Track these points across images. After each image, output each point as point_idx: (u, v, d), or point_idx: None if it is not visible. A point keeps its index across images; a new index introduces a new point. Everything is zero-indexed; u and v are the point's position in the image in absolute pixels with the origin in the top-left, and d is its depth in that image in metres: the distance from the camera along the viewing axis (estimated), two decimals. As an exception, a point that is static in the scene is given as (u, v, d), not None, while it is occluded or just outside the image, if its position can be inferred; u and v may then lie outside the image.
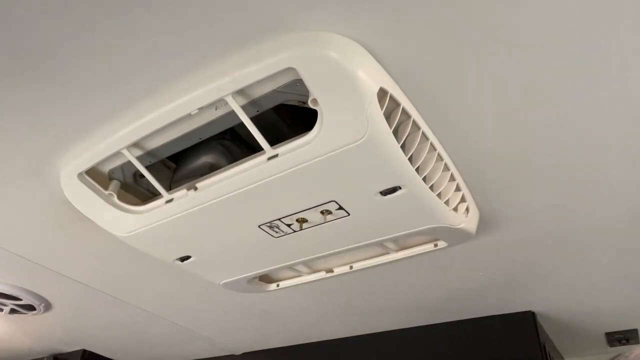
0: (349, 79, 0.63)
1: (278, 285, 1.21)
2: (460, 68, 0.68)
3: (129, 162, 0.80)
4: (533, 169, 0.89)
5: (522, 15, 0.60)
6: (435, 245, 1.03)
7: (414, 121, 0.73)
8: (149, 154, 0.80)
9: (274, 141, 0.73)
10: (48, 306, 1.49)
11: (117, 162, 0.82)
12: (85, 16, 0.60)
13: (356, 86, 0.63)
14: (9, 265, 1.21)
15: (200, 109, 0.70)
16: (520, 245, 1.15)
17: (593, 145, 0.83)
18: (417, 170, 0.76)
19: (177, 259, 1.01)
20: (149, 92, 0.72)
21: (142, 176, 0.84)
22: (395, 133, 0.71)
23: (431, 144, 0.78)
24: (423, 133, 0.76)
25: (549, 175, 0.91)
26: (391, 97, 0.68)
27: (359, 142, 0.68)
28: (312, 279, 1.16)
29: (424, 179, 0.79)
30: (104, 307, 1.49)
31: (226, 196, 0.80)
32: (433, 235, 0.98)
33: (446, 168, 0.84)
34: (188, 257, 1.00)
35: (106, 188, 0.86)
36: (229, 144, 0.83)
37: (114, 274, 1.27)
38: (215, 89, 0.68)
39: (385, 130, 0.68)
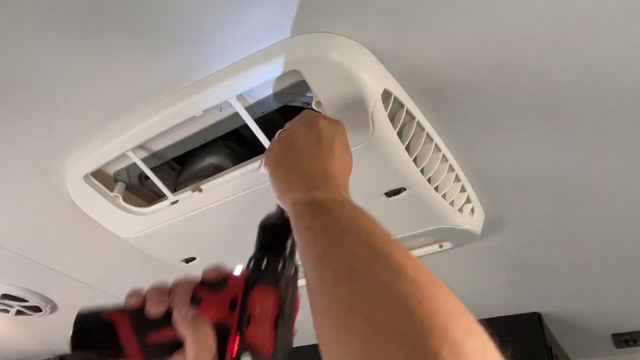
0: (352, 80, 0.63)
1: (283, 287, 1.21)
2: (465, 68, 0.68)
3: (134, 164, 0.80)
4: (539, 169, 0.89)
5: (525, 12, 0.60)
6: (441, 247, 1.03)
7: (418, 122, 0.73)
8: (154, 155, 0.80)
9: (278, 143, 0.73)
10: (54, 307, 1.49)
11: (123, 164, 0.82)
12: (88, 17, 0.60)
13: (360, 88, 0.63)
14: (15, 266, 1.22)
15: (205, 111, 0.71)
16: (525, 246, 1.14)
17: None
18: (422, 171, 0.76)
19: (182, 261, 1.01)
20: (154, 94, 0.72)
21: (147, 178, 0.84)
22: (400, 134, 0.71)
23: (436, 144, 0.78)
24: (427, 134, 0.76)
25: (555, 174, 0.90)
26: (395, 99, 0.68)
27: (364, 143, 0.68)
28: (317, 281, 1.16)
29: (429, 180, 0.79)
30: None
31: (231, 198, 0.80)
32: (438, 236, 0.97)
33: (451, 169, 0.84)
34: (193, 259, 1.00)
35: (111, 190, 0.86)
36: (234, 145, 0.83)
37: (119, 275, 1.28)
38: (220, 91, 0.68)
39: (389, 132, 0.68)
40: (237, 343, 0.44)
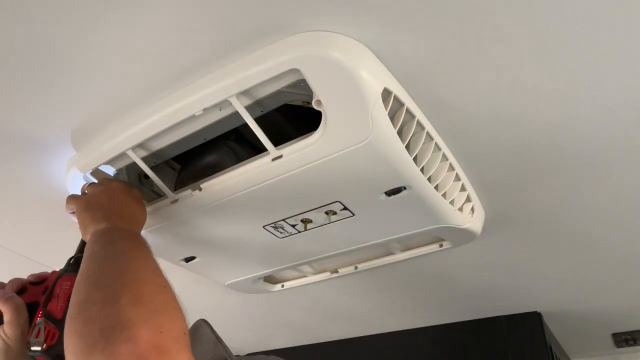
0: (352, 79, 0.63)
1: (283, 286, 1.21)
2: (465, 68, 0.68)
3: (134, 163, 0.80)
4: (539, 169, 0.89)
5: (530, 15, 0.60)
6: (441, 246, 1.03)
7: (418, 121, 0.73)
8: (154, 155, 0.80)
9: (278, 142, 0.73)
10: (54, 307, 1.49)
11: (122, 163, 0.82)
12: (86, 14, 0.60)
13: (360, 87, 0.63)
14: (14, 266, 1.22)
15: (204, 110, 0.70)
16: (526, 245, 1.14)
17: (599, 146, 0.83)
18: (422, 170, 0.76)
19: (182, 260, 1.01)
20: (154, 93, 0.72)
21: (147, 177, 0.84)
22: (400, 133, 0.70)
23: (436, 144, 0.78)
24: (427, 133, 0.75)
25: (555, 174, 0.90)
26: (395, 98, 0.68)
27: (364, 142, 0.68)
28: (317, 280, 1.16)
29: (429, 179, 0.79)
30: (109, 307, 1.49)
31: (231, 197, 0.80)
32: (438, 235, 0.97)
33: (451, 168, 0.84)
34: (193, 258, 1.01)
35: (111, 189, 0.86)
36: (234, 144, 0.83)
37: (120, 274, 1.27)
38: (220, 90, 0.67)
39: (389, 131, 0.68)
40: (40, 312, 0.66)
